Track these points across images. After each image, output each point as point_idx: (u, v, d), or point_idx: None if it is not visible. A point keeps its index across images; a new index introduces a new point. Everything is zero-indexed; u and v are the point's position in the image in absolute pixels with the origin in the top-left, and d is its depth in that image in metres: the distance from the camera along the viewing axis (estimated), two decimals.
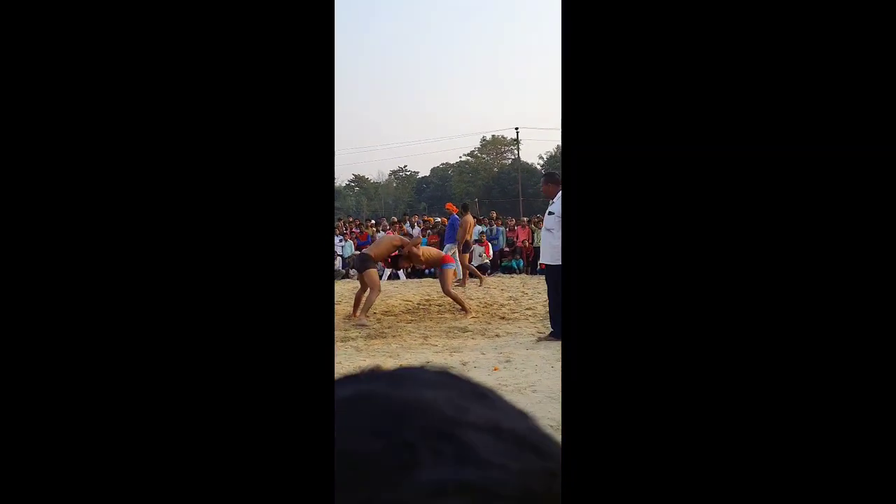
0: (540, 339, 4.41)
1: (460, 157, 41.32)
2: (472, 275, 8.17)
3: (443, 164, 44.86)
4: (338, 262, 10.63)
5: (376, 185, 48.57)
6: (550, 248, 4.27)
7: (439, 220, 13.05)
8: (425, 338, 4.77)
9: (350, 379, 0.20)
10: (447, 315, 5.78)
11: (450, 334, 4.87)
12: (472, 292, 7.26)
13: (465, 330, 5.00)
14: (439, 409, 0.18)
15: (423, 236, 11.80)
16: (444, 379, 0.20)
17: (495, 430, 0.18)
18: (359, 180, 48.26)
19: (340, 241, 11.19)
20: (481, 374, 3.49)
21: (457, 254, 8.29)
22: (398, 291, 7.52)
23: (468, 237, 8.26)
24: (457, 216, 8.47)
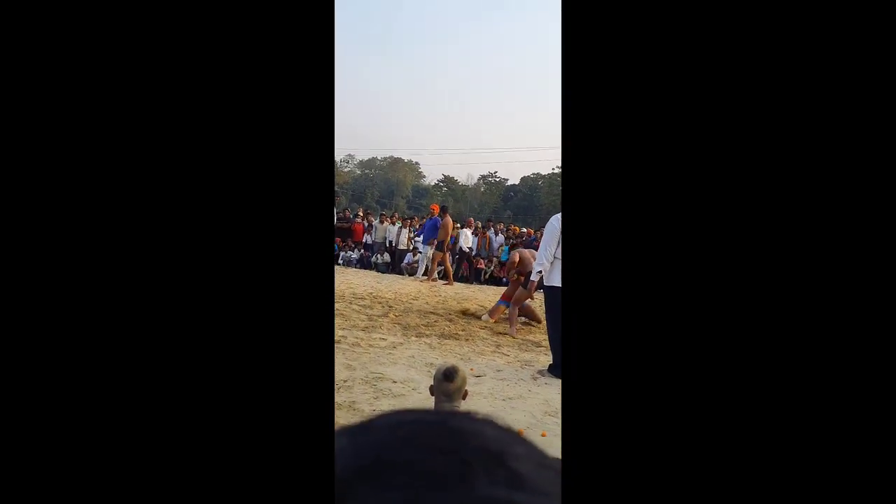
0: (539, 374, 3.91)
1: (553, 169, 40.82)
2: (444, 275, 9.32)
3: (533, 174, 44.51)
4: (410, 257, 10.82)
5: (464, 188, 48.90)
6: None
7: (525, 230, 12.94)
8: (497, 346, 4.74)
9: (409, 410, 0.23)
10: (523, 329, 5.71)
11: (522, 347, 4.81)
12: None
13: (538, 345, 4.92)
14: (491, 440, 0.21)
15: (506, 244, 11.86)
16: (490, 422, 0.23)
17: (539, 464, 0.21)
18: (448, 181, 48.77)
19: (417, 233, 11.36)
20: (552, 391, 3.42)
21: (429, 251, 9.52)
22: (474, 296, 7.52)
23: (447, 238, 9.26)
24: (438, 217, 9.38)
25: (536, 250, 4.56)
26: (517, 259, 6.00)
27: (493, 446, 0.20)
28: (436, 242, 9.24)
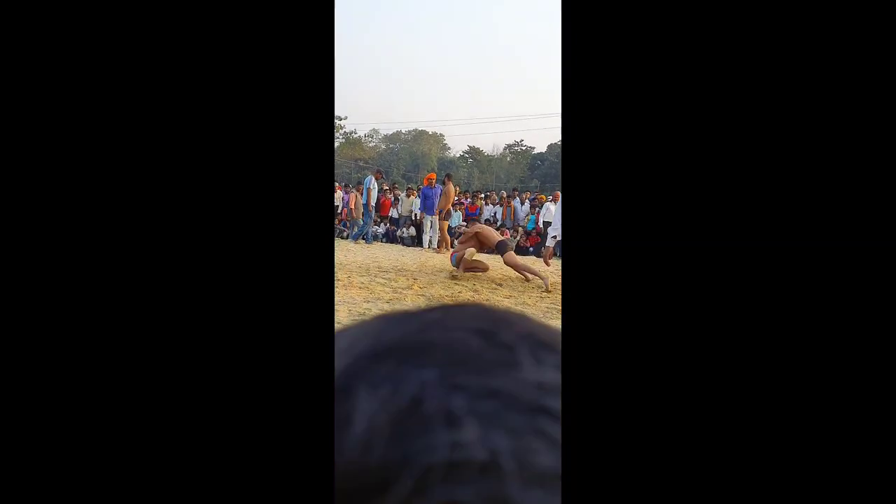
0: None
1: None
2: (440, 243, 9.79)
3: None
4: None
5: (490, 158, 48.60)
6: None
7: (550, 197, 12.81)
8: None
9: (454, 303, 0.21)
10: (547, 297, 5.68)
11: (548, 315, 4.79)
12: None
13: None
14: (536, 328, 0.19)
15: (532, 213, 11.78)
16: (537, 320, 0.21)
17: None
18: (473, 152, 48.49)
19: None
20: None
21: (436, 222, 9.87)
22: (499, 263, 7.49)
23: (448, 205, 9.70)
24: (440, 186, 9.80)
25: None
26: (471, 233, 6.24)
27: (539, 334, 0.18)
28: (438, 210, 9.57)
